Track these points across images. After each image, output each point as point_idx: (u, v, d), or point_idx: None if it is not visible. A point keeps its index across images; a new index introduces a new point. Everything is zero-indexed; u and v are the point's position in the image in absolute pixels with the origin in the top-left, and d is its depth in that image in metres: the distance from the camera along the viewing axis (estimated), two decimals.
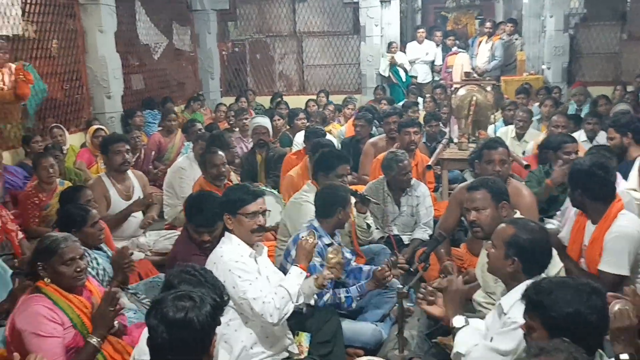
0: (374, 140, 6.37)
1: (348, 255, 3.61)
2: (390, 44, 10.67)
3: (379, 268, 3.51)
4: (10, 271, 3.57)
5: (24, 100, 6.70)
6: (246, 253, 3.01)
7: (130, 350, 2.87)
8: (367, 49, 10.68)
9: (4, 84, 6.50)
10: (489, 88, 5.90)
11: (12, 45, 6.80)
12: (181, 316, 1.93)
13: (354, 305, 3.49)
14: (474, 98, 5.68)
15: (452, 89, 6.09)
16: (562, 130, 5.60)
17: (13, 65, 6.55)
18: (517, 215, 3.21)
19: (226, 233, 3.09)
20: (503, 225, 2.68)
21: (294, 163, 5.66)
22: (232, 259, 2.93)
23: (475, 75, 7.23)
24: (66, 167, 6.02)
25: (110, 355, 2.80)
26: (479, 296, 3.34)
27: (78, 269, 2.78)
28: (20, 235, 4.53)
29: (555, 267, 3.08)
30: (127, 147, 5.00)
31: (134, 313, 3.41)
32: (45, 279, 2.75)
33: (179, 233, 5.06)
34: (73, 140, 7.17)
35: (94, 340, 2.69)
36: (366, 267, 3.74)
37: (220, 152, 4.86)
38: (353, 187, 4.74)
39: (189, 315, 1.94)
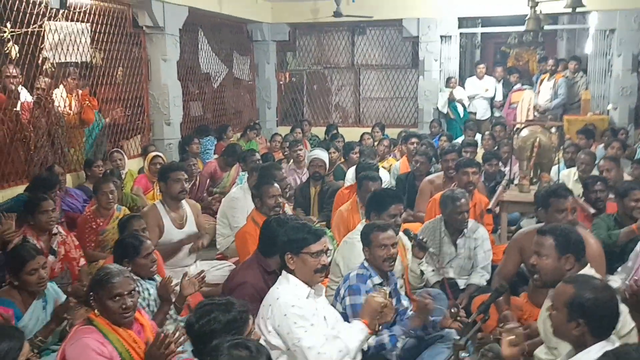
0: (431, 178, 6.23)
1: (405, 302, 3.47)
2: (449, 79, 10.55)
3: (441, 319, 3.38)
4: (64, 297, 3.60)
5: (88, 125, 6.93)
6: (304, 294, 2.95)
7: None
8: (425, 84, 10.59)
9: (70, 109, 6.73)
10: (553, 129, 5.70)
11: (80, 72, 7.06)
12: None
13: (399, 345, 3.33)
14: (538, 139, 5.49)
15: (515, 129, 5.91)
16: (607, 174, 5.61)
17: (80, 91, 6.80)
18: (587, 269, 3.02)
19: (283, 272, 3.04)
20: (562, 284, 2.51)
21: (346, 198, 5.58)
22: (289, 303, 2.87)
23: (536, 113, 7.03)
24: (124, 192, 6.12)
25: None
26: (540, 352, 3.15)
27: (124, 306, 2.75)
28: (82, 261, 4.59)
29: (626, 326, 2.87)
30: (186, 176, 5.03)
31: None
32: (96, 310, 2.73)
33: (230, 264, 5.08)
34: (131, 165, 7.33)
35: None
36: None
37: (276, 184, 4.84)
38: (409, 226, 4.63)
39: None
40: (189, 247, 4.94)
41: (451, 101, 10.47)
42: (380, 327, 3.06)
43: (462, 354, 3.08)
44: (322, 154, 6.45)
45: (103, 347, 2.66)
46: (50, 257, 4.39)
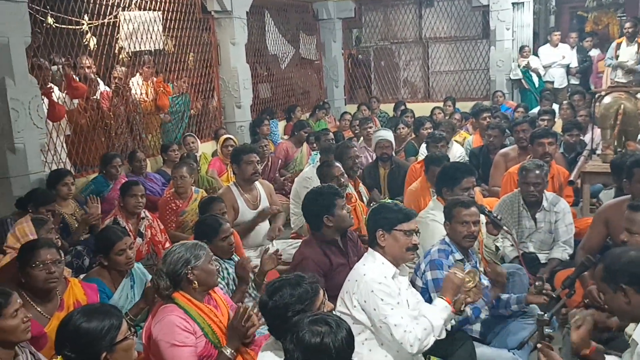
0: (505, 151, 6.05)
1: (485, 281, 3.40)
2: (522, 48, 10.16)
3: (525, 295, 3.33)
4: (149, 276, 3.75)
5: (163, 111, 7.14)
6: (389, 273, 2.95)
7: None
8: (497, 54, 10.24)
9: (147, 96, 6.97)
10: (638, 95, 5.37)
11: (154, 59, 7.27)
12: (317, 341, 1.89)
13: (482, 316, 3.29)
14: (622, 106, 5.20)
15: (597, 96, 5.61)
16: None
17: (155, 79, 7.01)
18: None
19: (370, 250, 3.06)
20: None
21: (419, 173, 5.50)
22: (375, 280, 2.88)
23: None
24: (200, 175, 6.29)
25: None
26: (630, 329, 3.01)
27: (217, 269, 2.91)
28: (167, 244, 4.77)
29: None
30: (258, 158, 5.11)
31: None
32: (194, 283, 2.83)
33: None
34: (204, 148, 7.52)
35: (227, 352, 2.73)
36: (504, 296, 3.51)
37: (337, 164, 4.83)
38: (485, 202, 4.52)
39: (324, 340, 1.90)
40: (265, 232, 5.03)
41: (525, 70, 10.08)
42: (466, 307, 3.02)
43: (547, 330, 3.00)
44: (387, 134, 6.36)
45: (186, 322, 2.75)
46: (138, 240, 4.60)
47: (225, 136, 7.19)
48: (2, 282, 3.06)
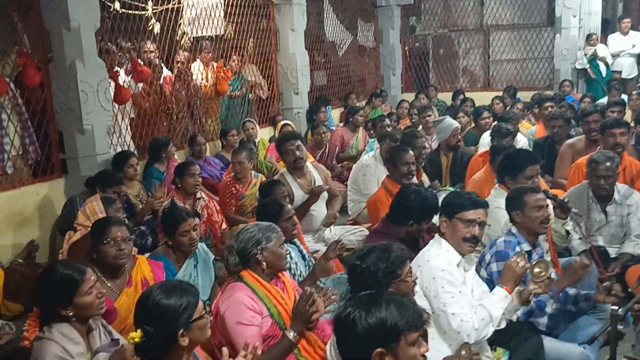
0: (572, 142, 5.82)
1: (553, 274, 3.29)
2: (589, 36, 9.77)
3: (593, 294, 3.21)
4: (212, 256, 3.81)
5: (223, 96, 7.23)
6: (454, 261, 2.90)
7: (320, 344, 2.89)
8: (563, 42, 9.90)
9: (207, 81, 7.06)
10: None
11: (215, 45, 7.35)
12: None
13: (547, 310, 3.18)
14: None
15: None
16: None
17: (215, 64, 7.09)
18: None
19: (436, 236, 3.03)
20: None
21: (480, 165, 5.37)
22: (439, 267, 2.84)
23: None
24: (258, 160, 6.33)
25: (303, 347, 2.83)
26: None
27: (286, 253, 2.94)
28: (224, 225, 4.84)
29: None
30: (298, 143, 4.98)
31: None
32: (262, 264, 2.84)
33: (363, 229, 5.10)
34: (262, 134, 7.56)
35: (291, 335, 2.73)
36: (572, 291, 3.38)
37: (411, 151, 4.76)
38: (553, 192, 4.37)
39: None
40: (322, 217, 5.01)
41: (592, 59, 9.70)
42: (533, 297, 2.93)
43: (620, 326, 2.88)
44: (457, 123, 6.29)
45: (254, 302, 2.76)
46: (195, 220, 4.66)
47: (282, 122, 7.21)
48: (76, 258, 3.16)
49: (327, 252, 3.62)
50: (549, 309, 3.17)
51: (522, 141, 6.49)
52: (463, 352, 2.56)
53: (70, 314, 2.42)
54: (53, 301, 2.41)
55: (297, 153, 4.93)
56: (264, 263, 2.85)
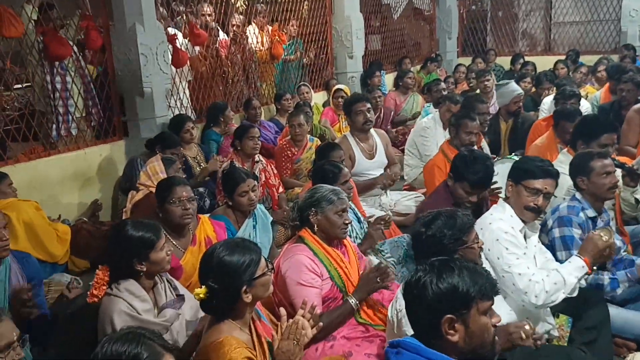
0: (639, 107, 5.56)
1: (619, 242, 3.17)
2: None
3: None
4: (271, 218, 3.85)
5: (277, 60, 7.20)
6: (517, 226, 2.83)
7: (380, 308, 2.90)
8: (631, 2, 9.38)
9: (262, 45, 7.04)
10: None
11: (269, 8, 7.31)
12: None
13: (619, 291, 3.07)
14: None
15: None
16: None
17: (270, 27, 7.06)
18: None
19: (500, 200, 2.97)
20: None
21: (543, 130, 5.20)
22: (502, 229, 2.78)
23: None
24: (313, 124, 6.32)
25: (363, 310, 2.85)
26: None
27: (346, 222, 2.88)
28: (281, 189, 4.87)
29: None
30: (369, 106, 5.00)
31: None
32: (316, 226, 2.85)
33: (419, 194, 5.05)
34: (316, 99, 7.53)
35: (352, 301, 2.75)
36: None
37: (476, 121, 4.63)
38: (620, 160, 4.20)
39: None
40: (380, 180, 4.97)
41: None
42: (596, 266, 2.84)
43: None
44: (520, 88, 6.10)
45: (314, 264, 2.78)
46: None
47: (336, 86, 7.15)
48: (139, 216, 3.24)
49: (372, 226, 3.57)
50: (619, 291, 3.06)
51: (585, 106, 6.24)
52: (527, 327, 2.44)
53: (145, 269, 2.50)
54: (130, 256, 2.48)
55: (368, 115, 4.93)
56: (316, 226, 2.85)
